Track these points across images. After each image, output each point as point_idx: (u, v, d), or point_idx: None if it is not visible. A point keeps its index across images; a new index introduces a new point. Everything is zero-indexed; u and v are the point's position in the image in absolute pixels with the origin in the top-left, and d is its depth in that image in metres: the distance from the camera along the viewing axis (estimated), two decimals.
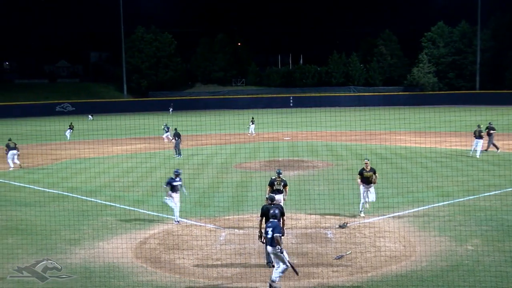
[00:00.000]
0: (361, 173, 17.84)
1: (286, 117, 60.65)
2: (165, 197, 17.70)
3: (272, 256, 12.13)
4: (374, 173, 17.73)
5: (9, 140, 31.23)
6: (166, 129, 42.83)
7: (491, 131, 32.24)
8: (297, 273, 11.92)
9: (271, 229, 12.00)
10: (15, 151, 30.68)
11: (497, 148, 32.12)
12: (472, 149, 30.89)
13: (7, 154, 30.73)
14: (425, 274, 12.46)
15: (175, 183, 17.46)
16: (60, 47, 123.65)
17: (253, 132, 47.36)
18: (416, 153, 32.83)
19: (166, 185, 17.58)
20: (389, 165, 27.74)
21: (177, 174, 17.72)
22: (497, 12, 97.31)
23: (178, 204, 17.58)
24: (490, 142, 32.22)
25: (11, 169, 30.19)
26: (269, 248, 12.10)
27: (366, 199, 17.75)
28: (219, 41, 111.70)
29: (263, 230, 13.31)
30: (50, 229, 16.59)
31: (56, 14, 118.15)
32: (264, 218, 13.32)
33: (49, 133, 38.13)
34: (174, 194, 17.40)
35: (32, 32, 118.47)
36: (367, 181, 17.62)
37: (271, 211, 12.43)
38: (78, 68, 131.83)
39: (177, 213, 17.57)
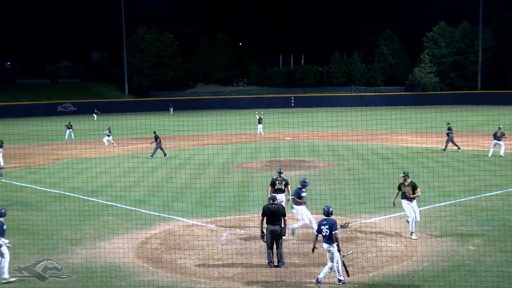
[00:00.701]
0: (399, 187, 16.04)
1: (287, 117, 60.61)
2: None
3: (327, 254, 12.08)
4: (414, 188, 15.69)
5: None
6: (108, 132, 40.67)
7: (448, 131, 33.14)
8: (348, 274, 11.91)
9: (326, 227, 12.02)
10: None
11: (445, 148, 33.07)
12: (491, 150, 30.85)
13: None
14: (426, 274, 12.45)
15: (303, 194, 15.77)
16: (61, 47, 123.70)
17: (261, 132, 46.89)
18: (417, 153, 32.82)
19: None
20: (390, 165, 27.74)
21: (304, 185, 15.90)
22: (499, 12, 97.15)
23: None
24: (448, 141, 32.98)
25: None
26: (325, 245, 12.06)
27: (413, 217, 15.56)
28: (220, 41, 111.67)
29: (265, 230, 13.32)
30: (51, 229, 16.60)
31: (58, 14, 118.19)
32: (265, 218, 13.33)
33: (51, 133, 38.17)
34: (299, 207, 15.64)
35: (33, 32, 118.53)
36: (406, 195, 15.78)
37: (324, 208, 12.37)
38: (79, 68, 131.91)
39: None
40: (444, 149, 33.13)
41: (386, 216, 17.68)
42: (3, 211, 13.22)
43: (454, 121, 48.68)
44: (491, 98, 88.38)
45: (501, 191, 20.83)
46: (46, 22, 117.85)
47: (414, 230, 15.47)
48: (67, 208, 19.65)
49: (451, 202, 19.39)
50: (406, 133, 44.05)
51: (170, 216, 18.37)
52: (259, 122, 47.01)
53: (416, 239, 15.22)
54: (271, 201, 13.58)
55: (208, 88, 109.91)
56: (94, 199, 21.55)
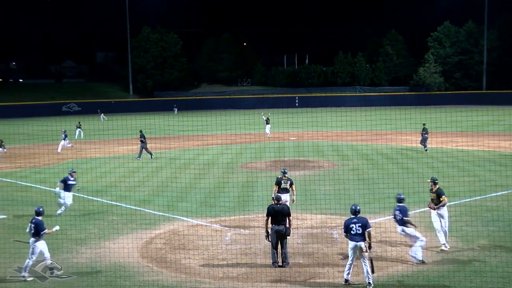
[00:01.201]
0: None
1: (292, 117, 60.63)
2: None
3: (350, 252, 12.07)
4: (439, 196, 14.51)
5: None
6: (64, 136, 38.34)
7: (423, 132, 34.04)
8: (373, 271, 11.92)
9: (358, 224, 12.02)
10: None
11: (426, 146, 33.79)
12: None
13: None
14: (431, 274, 12.41)
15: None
16: (66, 47, 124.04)
17: (269, 133, 46.43)
18: (422, 153, 32.73)
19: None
20: (395, 165, 27.68)
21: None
22: (504, 12, 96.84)
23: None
24: (424, 141, 33.88)
25: None
26: (353, 244, 12.01)
27: (442, 229, 14.46)
28: (224, 41, 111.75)
29: (269, 230, 13.29)
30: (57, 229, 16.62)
31: (62, 14, 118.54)
32: (270, 217, 13.32)
33: (56, 133, 38.26)
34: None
35: (37, 32, 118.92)
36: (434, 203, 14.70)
37: (352, 207, 12.49)
38: (84, 68, 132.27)
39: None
40: (425, 148, 33.74)
41: (391, 216, 17.60)
42: (41, 210, 13.37)
43: (459, 121, 48.62)
44: (496, 98, 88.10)
45: (506, 192, 20.75)
46: (51, 22, 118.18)
47: (445, 241, 14.31)
48: (72, 207, 19.68)
49: (456, 202, 19.31)
50: (411, 133, 43.94)
51: (174, 216, 18.38)
52: (267, 123, 46.50)
53: (448, 249, 14.12)
54: (275, 201, 13.57)
55: (212, 88, 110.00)
56: (98, 199, 21.59)
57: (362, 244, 11.93)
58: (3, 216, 18.99)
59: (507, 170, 25.50)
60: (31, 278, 12.74)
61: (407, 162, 29.26)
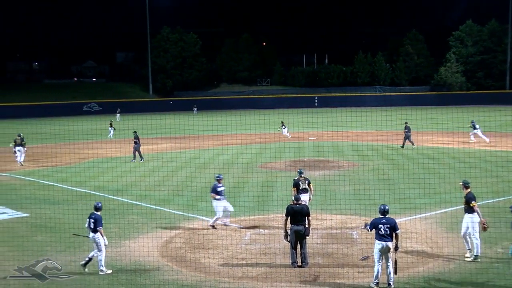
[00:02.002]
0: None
1: (311, 117, 60.36)
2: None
3: (376, 253, 11.87)
4: (468, 202, 13.53)
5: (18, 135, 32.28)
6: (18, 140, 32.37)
7: (406, 130, 35.55)
8: (396, 272, 11.79)
9: (387, 225, 11.81)
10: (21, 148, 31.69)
11: (403, 145, 35.24)
12: None
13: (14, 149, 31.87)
14: (452, 276, 12.26)
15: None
16: (87, 48, 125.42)
17: (288, 135, 46.24)
18: (443, 154, 32.36)
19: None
20: (415, 166, 27.41)
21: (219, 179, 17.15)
22: None
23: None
24: (406, 139, 35.27)
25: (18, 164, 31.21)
26: (381, 244, 11.82)
27: (463, 232, 13.60)
28: (244, 41, 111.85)
29: (288, 230, 13.26)
30: (78, 227, 16.78)
31: (83, 15, 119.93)
32: (289, 217, 13.28)
33: (77, 132, 38.67)
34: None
35: (59, 33, 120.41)
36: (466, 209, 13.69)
37: (380, 207, 12.19)
38: (104, 68, 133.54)
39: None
40: (402, 146, 35.17)
41: (412, 217, 17.46)
42: (99, 205, 13.63)
43: (481, 121, 47.95)
44: None
45: None
46: (72, 23, 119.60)
47: (469, 247, 13.55)
48: (92, 207, 19.84)
49: (478, 203, 18.99)
50: (432, 133, 43.49)
51: (194, 216, 18.43)
52: (284, 126, 46.18)
53: (470, 259, 13.37)
54: (295, 201, 13.52)
55: (231, 88, 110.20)
56: (119, 198, 21.75)
57: (390, 244, 11.80)
58: (26, 215, 19.24)
59: None
60: (110, 271, 13.05)
61: (428, 162, 28.95)
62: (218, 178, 17.12)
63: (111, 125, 49.25)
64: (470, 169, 26.28)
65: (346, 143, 38.66)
